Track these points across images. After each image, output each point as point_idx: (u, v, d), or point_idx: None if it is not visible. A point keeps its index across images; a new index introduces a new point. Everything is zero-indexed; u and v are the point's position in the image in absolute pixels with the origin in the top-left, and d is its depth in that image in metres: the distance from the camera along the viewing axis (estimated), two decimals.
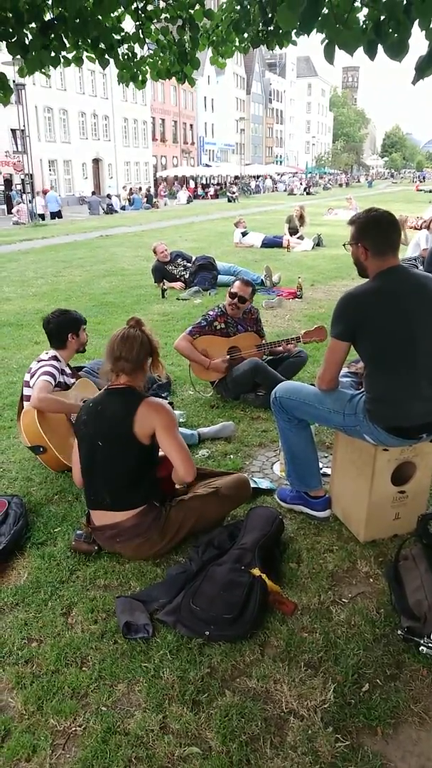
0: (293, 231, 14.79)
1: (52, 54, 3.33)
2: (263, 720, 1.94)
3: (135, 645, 2.25)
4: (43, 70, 3.34)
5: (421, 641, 2.16)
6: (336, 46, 2.28)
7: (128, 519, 2.70)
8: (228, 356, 4.71)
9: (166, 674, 2.11)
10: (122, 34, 3.90)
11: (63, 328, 3.76)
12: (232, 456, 3.80)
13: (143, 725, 1.92)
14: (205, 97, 60.51)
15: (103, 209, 31.94)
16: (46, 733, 1.92)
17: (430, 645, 2.15)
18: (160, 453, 2.80)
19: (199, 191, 48.71)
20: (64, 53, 3.57)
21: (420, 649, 2.16)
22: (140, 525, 2.70)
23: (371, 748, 1.85)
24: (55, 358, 3.73)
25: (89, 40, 3.53)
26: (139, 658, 2.19)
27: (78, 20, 3.26)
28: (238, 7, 4.01)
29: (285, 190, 52.62)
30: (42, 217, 27.05)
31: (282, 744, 1.86)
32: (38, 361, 3.72)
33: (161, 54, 4.19)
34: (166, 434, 2.67)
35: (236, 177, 54.77)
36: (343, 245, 2.83)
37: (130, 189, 39.68)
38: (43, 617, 2.43)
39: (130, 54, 4.12)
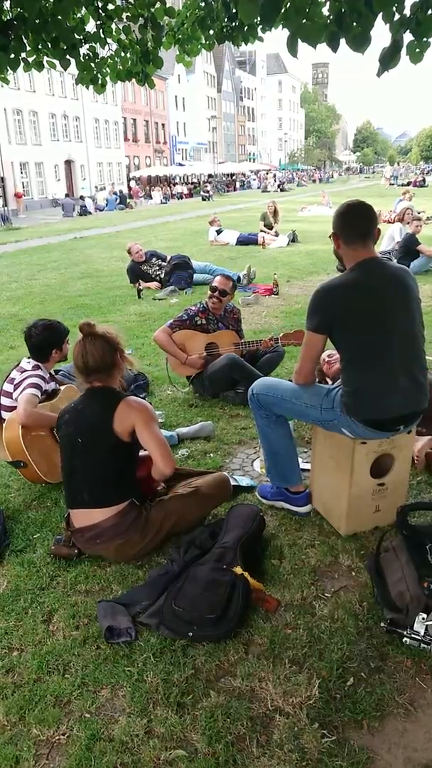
0: (268, 227, 14.82)
1: (12, 56, 3.26)
2: (249, 719, 1.92)
3: (118, 649, 2.22)
4: (1, 75, 3.26)
5: (405, 632, 2.16)
6: (299, 39, 2.27)
7: (108, 519, 2.68)
8: (205, 352, 4.69)
9: (150, 677, 2.09)
10: (84, 33, 3.84)
11: (46, 344, 3.61)
12: (212, 455, 3.78)
13: (128, 730, 1.90)
14: (176, 96, 60.29)
15: (77, 211, 31.80)
16: (29, 744, 1.89)
17: (413, 636, 2.15)
18: (140, 453, 2.81)
19: (174, 191, 48.55)
20: (24, 55, 3.50)
21: (403, 640, 2.16)
22: (120, 525, 2.67)
23: (357, 742, 1.85)
24: (37, 367, 3.59)
25: (49, 42, 3.47)
26: (123, 662, 2.17)
27: (38, 20, 3.20)
28: (203, 4, 3.97)
29: (259, 188, 52.69)
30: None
31: (268, 742, 1.85)
32: (21, 372, 3.55)
33: (122, 54, 4.14)
34: (145, 428, 2.68)
35: (210, 176, 54.69)
36: (329, 236, 2.82)
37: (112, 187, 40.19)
38: (24, 625, 2.39)
39: (91, 54, 4.07)
